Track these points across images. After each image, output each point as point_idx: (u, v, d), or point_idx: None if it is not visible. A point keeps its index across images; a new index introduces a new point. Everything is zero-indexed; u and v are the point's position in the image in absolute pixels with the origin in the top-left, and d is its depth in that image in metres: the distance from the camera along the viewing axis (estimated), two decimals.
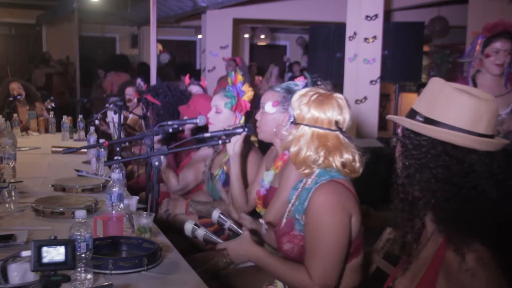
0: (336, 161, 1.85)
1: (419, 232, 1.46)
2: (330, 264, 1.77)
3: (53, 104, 5.62)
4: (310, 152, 1.86)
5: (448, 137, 1.36)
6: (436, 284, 1.33)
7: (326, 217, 1.78)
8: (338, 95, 1.91)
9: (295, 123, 1.92)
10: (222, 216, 2.17)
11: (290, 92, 2.49)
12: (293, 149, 1.89)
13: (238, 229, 2.11)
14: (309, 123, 1.87)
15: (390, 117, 1.56)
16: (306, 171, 1.90)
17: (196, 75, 9.47)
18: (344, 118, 1.88)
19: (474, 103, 1.36)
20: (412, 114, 1.45)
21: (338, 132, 1.87)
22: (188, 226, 2.09)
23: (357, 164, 1.87)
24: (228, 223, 2.15)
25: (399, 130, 1.52)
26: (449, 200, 1.34)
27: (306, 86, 2.48)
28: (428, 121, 1.40)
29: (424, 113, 1.41)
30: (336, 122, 1.86)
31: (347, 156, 1.86)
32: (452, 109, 1.37)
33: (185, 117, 3.22)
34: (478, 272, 1.24)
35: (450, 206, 1.33)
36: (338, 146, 1.86)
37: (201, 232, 2.08)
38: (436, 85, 1.43)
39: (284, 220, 2.01)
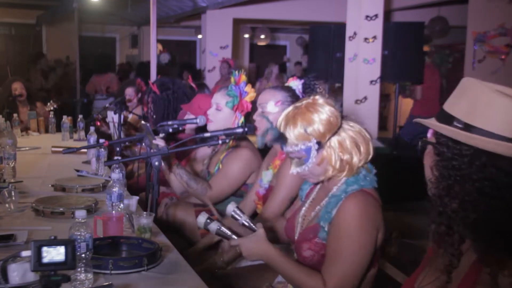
0: (371, 148, 1.83)
1: (460, 248, 1.34)
2: (349, 276, 1.71)
3: (55, 106, 5.62)
4: (359, 148, 1.80)
5: (494, 147, 1.27)
6: None
7: (355, 232, 1.71)
8: (316, 97, 1.84)
9: (324, 143, 1.79)
10: (237, 210, 2.05)
11: (290, 90, 2.49)
12: (347, 157, 1.79)
13: (253, 225, 1.99)
14: (331, 133, 1.79)
15: (420, 120, 1.44)
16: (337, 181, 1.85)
17: (197, 75, 9.48)
18: (338, 104, 1.85)
19: None
20: (447, 118, 1.35)
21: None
22: (201, 219, 2.00)
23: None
24: (243, 218, 2.03)
25: (429, 134, 1.42)
26: (494, 215, 1.25)
27: (303, 86, 2.48)
28: (468, 127, 1.30)
29: (463, 118, 1.32)
30: (341, 116, 1.82)
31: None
32: (494, 115, 1.29)
33: (187, 115, 3.22)
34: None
35: (495, 222, 1.25)
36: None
37: (214, 226, 1.98)
38: (474, 87, 1.34)
39: (299, 224, 1.95)
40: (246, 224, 2.03)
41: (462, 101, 1.35)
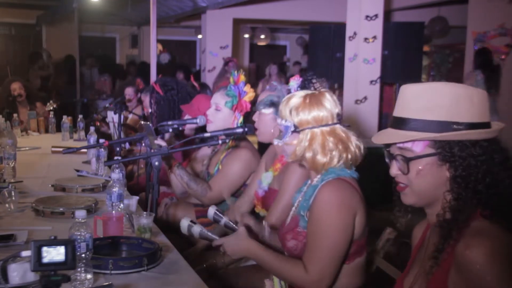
0: (352, 153, 1.86)
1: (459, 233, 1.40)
2: (328, 261, 1.77)
3: (54, 105, 5.63)
4: (329, 153, 1.84)
5: (487, 135, 1.37)
6: (448, 280, 1.32)
7: (330, 215, 1.78)
8: (325, 90, 1.93)
9: (299, 130, 1.87)
10: (217, 212, 2.16)
11: (286, 90, 2.49)
12: (308, 155, 1.86)
13: (234, 225, 2.10)
14: (315, 125, 1.85)
15: (414, 138, 1.40)
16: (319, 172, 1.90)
17: (192, 75, 9.49)
18: (339, 109, 1.91)
19: (485, 94, 1.40)
20: (439, 125, 1.37)
21: (339, 125, 1.88)
22: (184, 223, 2.08)
23: (361, 152, 1.89)
24: (224, 220, 2.14)
25: (420, 148, 1.39)
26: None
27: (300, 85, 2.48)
28: (472, 126, 1.37)
29: (460, 119, 1.36)
30: (338, 114, 1.88)
31: (356, 144, 1.88)
32: (476, 106, 1.38)
33: (187, 116, 3.23)
34: (486, 266, 1.24)
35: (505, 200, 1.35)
36: (348, 136, 1.88)
37: (197, 229, 2.06)
38: (447, 88, 1.39)
39: (289, 220, 2.01)
40: (228, 225, 2.13)
41: (443, 104, 1.38)
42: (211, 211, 2.17)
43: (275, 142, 1.99)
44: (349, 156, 1.86)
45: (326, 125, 1.85)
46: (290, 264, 1.84)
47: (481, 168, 1.35)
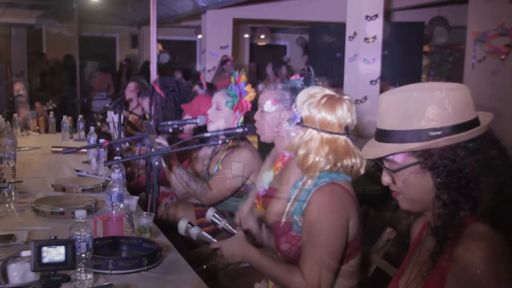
0: (345, 166, 1.84)
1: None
2: (324, 267, 1.78)
3: (54, 105, 5.62)
4: (319, 158, 1.83)
5: (469, 135, 1.35)
6: (445, 284, 1.32)
7: (324, 221, 1.78)
8: (346, 97, 1.89)
9: (303, 125, 1.86)
10: (216, 215, 2.15)
11: (288, 89, 2.48)
12: (300, 152, 1.86)
13: (232, 229, 2.09)
14: (319, 127, 1.83)
15: (390, 153, 1.41)
16: (312, 175, 1.88)
17: (190, 76, 9.50)
18: (353, 121, 1.86)
19: (467, 91, 1.38)
20: (417, 134, 1.37)
21: (345, 136, 1.85)
22: (182, 225, 2.07)
23: (362, 170, 1.86)
24: (222, 223, 2.13)
25: (401, 159, 1.41)
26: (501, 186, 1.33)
27: (305, 83, 2.47)
28: (452, 128, 1.34)
29: (436, 124, 1.35)
30: (346, 126, 1.84)
31: (354, 161, 1.84)
32: (462, 106, 1.35)
33: (187, 116, 3.22)
34: (484, 270, 1.23)
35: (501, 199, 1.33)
36: (347, 150, 1.84)
37: (194, 231, 2.05)
38: (419, 94, 1.38)
39: (283, 220, 2.00)
40: (226, 228, 2.11)
41: (416, 112, 1.36)
42: (210, 213, 2.15)
43: (286, 126, 2.00)
44: (338, 165, 1.84)
45: (329, 132, 1.83)
46: (288, 271, 1.84)
47: (464, 172, 1.34)
